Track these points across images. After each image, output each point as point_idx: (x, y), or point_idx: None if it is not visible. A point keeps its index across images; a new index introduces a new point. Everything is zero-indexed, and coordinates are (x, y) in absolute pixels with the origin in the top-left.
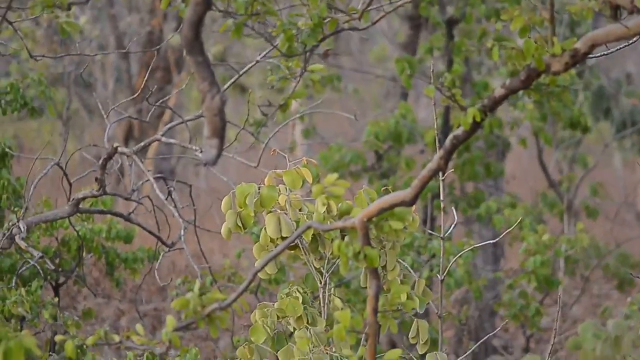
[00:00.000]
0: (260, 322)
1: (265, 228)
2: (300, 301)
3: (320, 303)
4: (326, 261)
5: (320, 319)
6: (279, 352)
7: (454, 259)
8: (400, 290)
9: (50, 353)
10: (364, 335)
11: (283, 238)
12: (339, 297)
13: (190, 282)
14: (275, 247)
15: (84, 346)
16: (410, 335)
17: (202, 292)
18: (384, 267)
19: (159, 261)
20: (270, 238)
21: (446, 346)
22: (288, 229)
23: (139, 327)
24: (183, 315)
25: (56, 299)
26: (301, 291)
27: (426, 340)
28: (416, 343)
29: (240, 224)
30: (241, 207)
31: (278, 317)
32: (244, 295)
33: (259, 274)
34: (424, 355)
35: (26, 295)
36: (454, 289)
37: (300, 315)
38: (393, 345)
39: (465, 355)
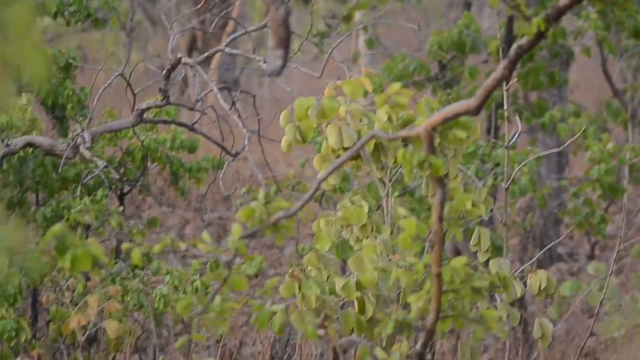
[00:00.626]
0: (324, 230)
1: (326, 139)
2: (365, 210)
3: (383, 212)
4: (388, 170)
5: (384, 227)
6: (349, 261)
7: (518, 167)
8: (464, 198)
9: (116, 261)
10: (428, 243)
11: (344, 149)
12: (402, 206)
13: (254, 192)
14: (337, 157)
15: (150, 254)
16: (471, 243)
17: (267, 201)
18: (446, 176)
19: (223, 170)
20: (332, 148)
21: (510, 253)
22: (350, 140)
23: (205, 235)
24: (249, 224)
25: (121, 208)
26: (365, 200)
27: (487, 247)
28: (478, 250)
29: (299, 137)
30: (300, 120)
31: (342, 226)
32: (308, 204)
33: (322, 184)
34: (487, 263)
35: (91, 204)
36: (519, 197)
37: (365, 223)
38: (458, 252)
39: (530, 262)
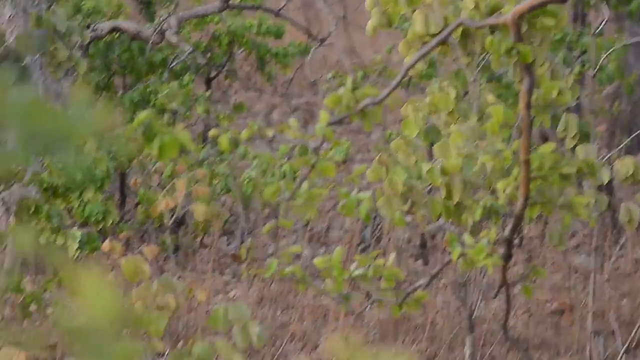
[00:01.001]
0: (411, 116)
1: (413, 25)
2: (452, 96)
3: (470, 98)
4: (475, 57)
5: (472, 113)
6: (434, 147)
7: (605, 55)
8: (552, 86)
9: (203, 145)
10: (515, 129)
11: (431, 35)
12: (490, 93)
13: (341, 77)
14: (423, 44)
15: (238, 139)
16: (558, 130)
17: (354, 88)
18: (533, 63)
19: (309, 56)
20: (418, 35)
21: (598, 140)
22: (436, 26)
23: (293, 121)
24: (336, 111)
25: (208, 93)
26: (453, 86)
27: (575, 134)
28: (565, 137)
29: (385, 21)
30: (386, 5)
31: (429, 112)
32: (395, 90)
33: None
34: (574, 149)
35: (178, 88)
36: (606, 84)
37: (452, 109)
38: (545, 139)
39: (617, 148)
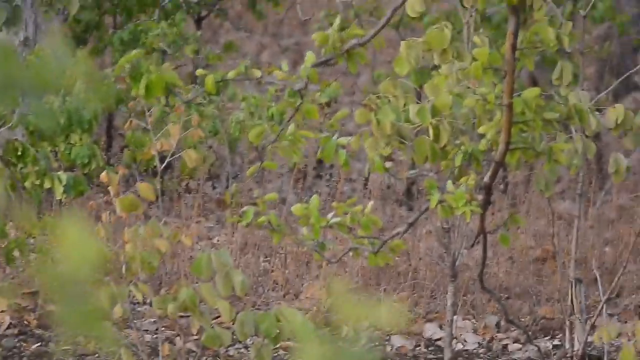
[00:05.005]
0: (404, 54)
1: None
2: (447, 34)
3: (464, 39)
4: None
5: (466, 53)
6: (425, 86)
7: None
8: (541, 29)
9: (193, 86)
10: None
11: None
12: (480, 34)
13: (332, 16)
14: None
15: (226, 80)
16: (553, 77)
17: (342, 27)
18: (531, 7)
19: None
20: None
21: (587, 82)
22: None
23: (283, 63)
24: (322, 51)
25: (198, 33)
26: (448, 26)
27: (569, 82)
28: (560, 85)
29: None
30: None
31: (423, 50)
32: (385, 31)
33: (407, 9)
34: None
35: (169, 28)
36: (597, 24)
37: (446, 48)
38: (534, 82)
39: (606, 91)
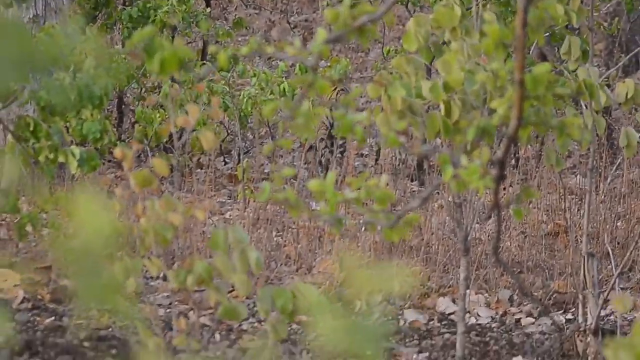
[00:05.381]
0: (413, 30)
1: None
2: (457, 11)
3: (473, 16)
4: None
5: (474, 31)
6: (436, 62)
7: None
8: (549, 5)
9: (203, 62)
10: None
11: None
12: (490, 12)
13: None
14: None
15: (237, 55)
16: (562, 52)
17: (352, 4)
18: None
19: None
20: None
21: (596, 58)
22: None
23: (296, 38)
24: (334, 27)
25: (208, 9)
26: (457, 2)
27: (577, 57)
28: (567, 60)
29: None
30: None
31: (432, 28)
32: (394, 8)
33: None
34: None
35: (178, 4)
36: (606, 0)
37: (455, 26)
38: (544, 58)
39: (615, 67)
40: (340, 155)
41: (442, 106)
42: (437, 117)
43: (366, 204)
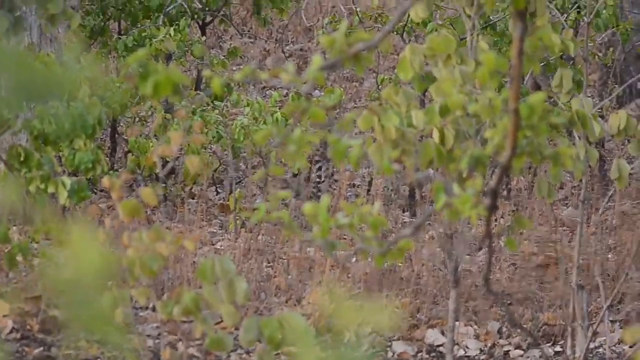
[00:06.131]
0: (408, 58)
1: None
2: (453, 39)
3: (467, 46)
4: (475, 2)
5: (469, 60)
6: (431, 88)
7: (602, 1)
8: (545, 35)
9: (197, 92)
10: (509, 78)
11: None
12: (485, 41)
13: (336, 23)
14: None
15: (231, 83)
16: (554, 84)
17: (348, 32)
18: (533, 14)
19: (305, 1)
20: None
21: (590, 89)
22: None
23: (289, 65)
24: (329, 54)
25: (203, 38)
26: (451, 33)
27: (569, 89)
28: (559, 92)
29: None
30: None
31: (425, 56)
32: (390, 36)
33: (410, 15)
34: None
35: (174, 34)
36: (601, 31)
37: (450, 54)
38: (538, 87)
39: (610, 98)
40: (328, 180)
41: (435, 134)
42: (431, 144)
43: (359, 231)
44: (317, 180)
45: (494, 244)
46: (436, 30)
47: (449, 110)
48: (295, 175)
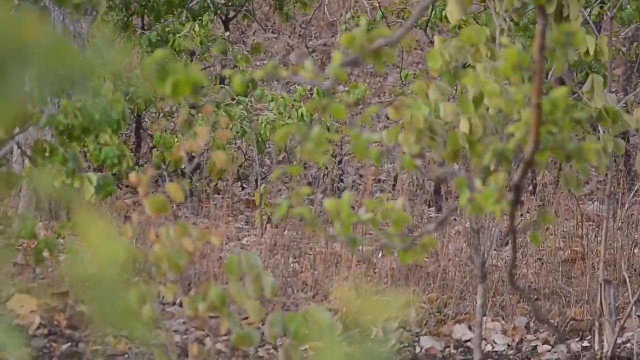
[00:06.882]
0: (438, 47)
1: None
2: (486, 30)
3: (497, 43)
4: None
5: (498, 52)
6: (464, 79)
7: None
8: (580, 41)
9: (221, 87)
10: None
11: None
12: (510, 36)
13: (359, 17)
14: None
15: (254, 80)
16: (584, 90)
17: (370, 28)
18: (566, 17)
19: None
20: None
21: (615, 84)
22: None
23: (307, 62)
24: (350, 51)
25: (226, 34)
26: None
27: (600, 95)
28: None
29: None
30: None
31: (457, 47)
32: (413, 32)
33: (447, 15)
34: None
35: (197, 29)
36: (625, 25)
37: (479, 46)
38: (562, 83)
39: (634, 92)
40: (356, 179)
41: (464, 124)
42: (459, 134)
43: (383, 227)
44: (340, 175)
45: (519, 239)
46: (462, 26)
47: (482, 99)
48: (319, 171)
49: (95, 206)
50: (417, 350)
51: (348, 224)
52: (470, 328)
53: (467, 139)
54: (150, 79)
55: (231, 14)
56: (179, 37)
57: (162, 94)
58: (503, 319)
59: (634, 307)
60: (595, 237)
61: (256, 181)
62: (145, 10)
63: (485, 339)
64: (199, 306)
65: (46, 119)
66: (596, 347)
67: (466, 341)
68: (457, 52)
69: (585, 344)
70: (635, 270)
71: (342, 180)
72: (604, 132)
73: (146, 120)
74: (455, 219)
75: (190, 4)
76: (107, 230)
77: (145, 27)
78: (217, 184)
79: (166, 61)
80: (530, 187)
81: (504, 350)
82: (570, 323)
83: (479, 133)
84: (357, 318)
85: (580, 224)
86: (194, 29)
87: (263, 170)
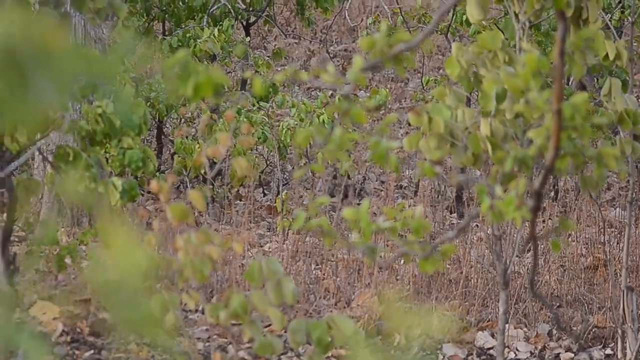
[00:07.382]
0: (456, 53)
1: None
2: (501, 35)
3: (516, 48)
4: (524, 3)
5: (517, 57)
6: (485, 79)
7: None
8: (599, 45)
9: (242, 92)
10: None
11: None
12: (530, 41)
13: (380, 23)
14: None
15: (275, 84)
16: (602, 93)
17: (390, 33)
18: (585, 20)
19: (349, 1)
20: None
21: (636, 88)
22: None
23: (329, 66)
24: (370, 56)
25: (247, 39)
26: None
27: (619, 99)
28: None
29: None
30: None
31: (474, 53)
32: (434, 37)
33: (467, 16)
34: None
35: (217, 34)
36: None
37: (497, 51)
38: (583, 88)
39: None
40: (378, 187)
41: (484, 126)
42: (480, 136)
43: (404, 235)
44: (362, 182)
45: (542, 246)
46: (481, 31)
47: (505, 96)
48: (337, 177)
49: (119, 212)
50: (440, 357)
51: (367, 233)
52: (492, 335)
53: (488, 140)
54: (172, 80)
55: (252, 19)
56: (200, 42)
57: (184, 94)
58: (526, 326)
59: None
60: (618, 243)
61: (278, 187)
62: (166, 16)
63: (508, 347)
64: (221, 314)
65: (68, 125)
66: (619, 354)
67: (489, 349)
68: (474, 58)
69: (608, 351)
70: None
71: (363, 188)
72: (623, 135)
73: (167, 126)
74: (477, 225)
75: (211, 9)
76: (130, 237)
77: (166, 33)
78: (238, 190)
79: (188, 62)
80: (552, 194)
81: (526, 357)
82: (593, 330)
83: (500, 134)
84: (380, 325)
85: (602, 230)
86: (214, 34)
87: (285, 176)
